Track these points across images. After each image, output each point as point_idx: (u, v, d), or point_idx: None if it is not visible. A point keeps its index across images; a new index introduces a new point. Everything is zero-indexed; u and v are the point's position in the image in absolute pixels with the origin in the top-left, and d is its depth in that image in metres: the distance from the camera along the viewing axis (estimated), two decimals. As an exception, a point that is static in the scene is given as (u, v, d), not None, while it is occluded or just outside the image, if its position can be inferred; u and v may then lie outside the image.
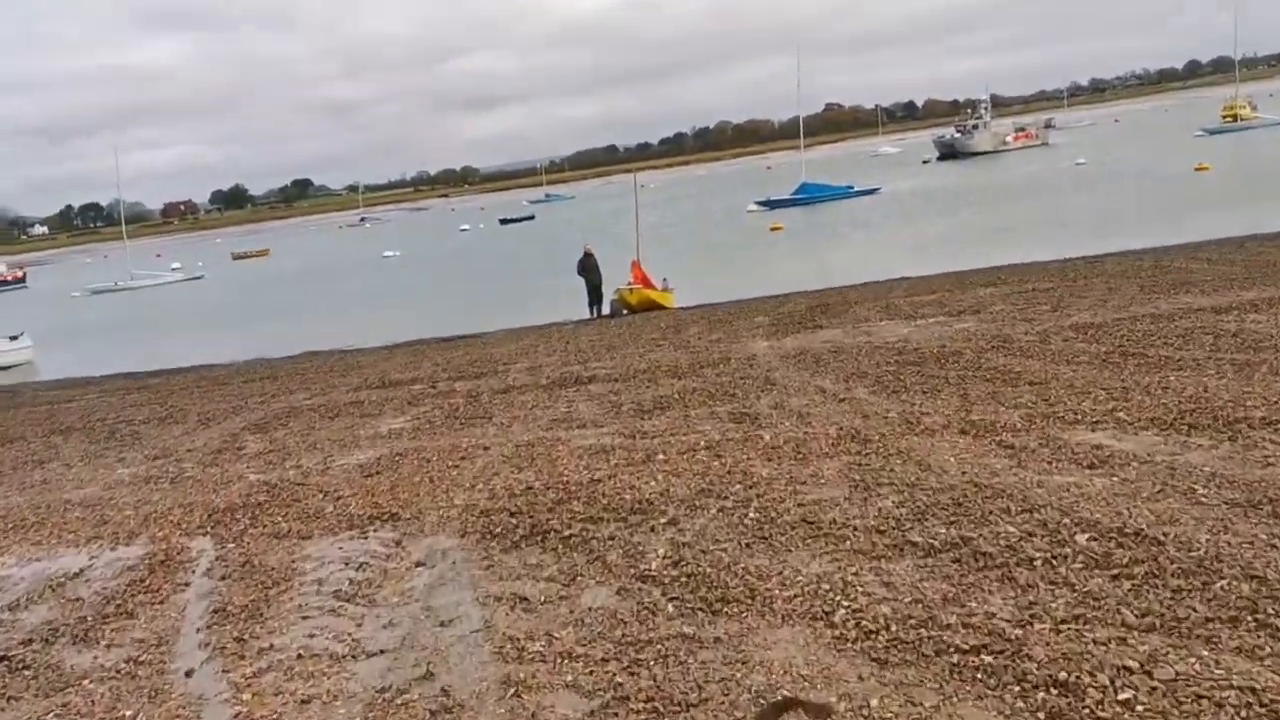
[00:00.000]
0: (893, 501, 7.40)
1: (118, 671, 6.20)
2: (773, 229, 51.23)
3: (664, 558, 6.83)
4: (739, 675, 5.07)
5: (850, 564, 6.37)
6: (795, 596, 5.97)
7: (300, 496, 10.03)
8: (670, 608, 6.07)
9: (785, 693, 4.73)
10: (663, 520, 7.65)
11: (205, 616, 6.96)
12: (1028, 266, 26.68)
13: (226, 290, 66.06)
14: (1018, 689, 4.60)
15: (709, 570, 6.51)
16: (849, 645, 5.28)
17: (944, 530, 6.67)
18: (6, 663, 6.49)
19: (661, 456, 9.65)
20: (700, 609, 5.93)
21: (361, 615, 6.76)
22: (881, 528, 6.89)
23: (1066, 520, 6.63)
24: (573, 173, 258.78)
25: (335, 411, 15.59)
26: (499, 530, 8.05)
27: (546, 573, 6.96)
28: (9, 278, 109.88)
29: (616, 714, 4.88)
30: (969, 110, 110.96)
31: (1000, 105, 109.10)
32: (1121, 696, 4.48)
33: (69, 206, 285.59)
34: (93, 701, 5.84)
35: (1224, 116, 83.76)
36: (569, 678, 5.35)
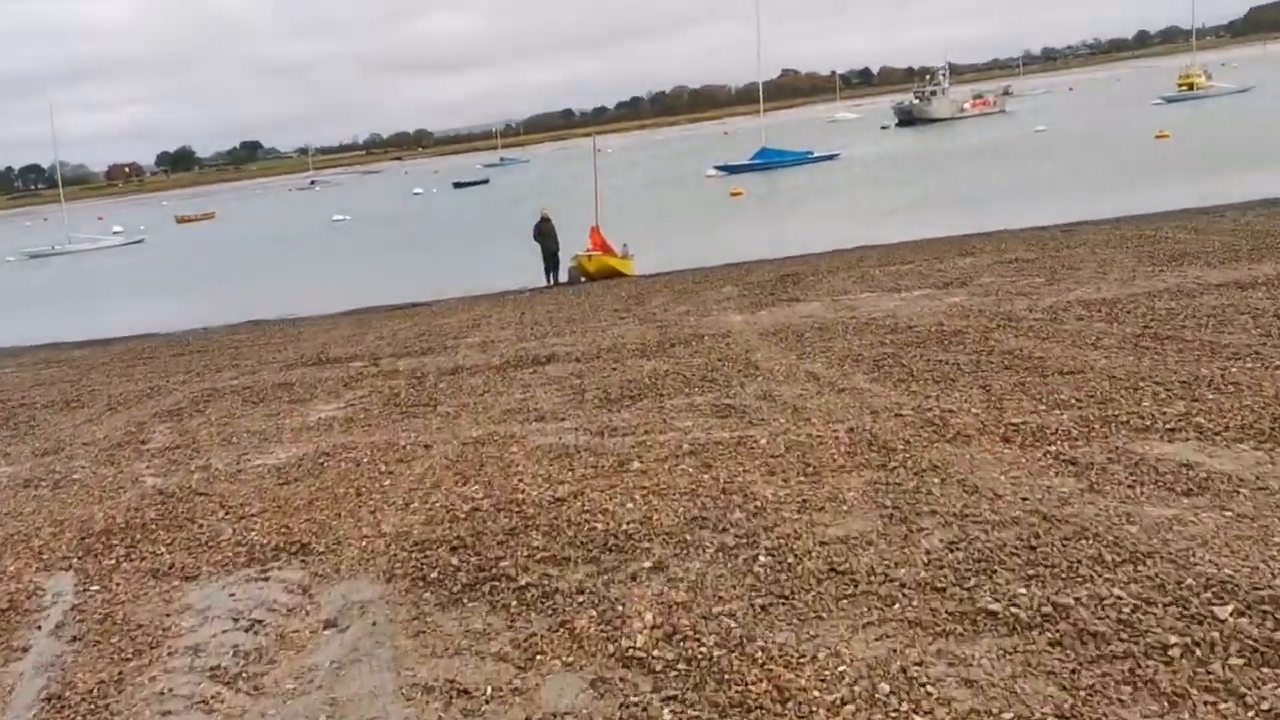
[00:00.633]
0: (942, 540, 5.65)
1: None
2: (733, 194, 49.48)
3: (652, 627, 5.03)
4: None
5: (908, 643, 4.61)
6: (842, 703, 4.19)
7: (197, 514, 8.07)
8: (669, 717, 4.29)
9: None
10: (646, 564, 5.84)
11: (32, 711, 5.14)
12: (1000, 234, 25.21)
13: (169, 255, 63.08)
14: None
15: (716, 651, 4.71)
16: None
17: (1024, 590, 4.91)
18: None
19: (637, 464, 7.81)
20: None
21: (241, 712, 4.91)
22: (938, 583, 5.13)
23: (1189, 579, 4.90)
24: (529, 136, 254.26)
25: (261, 395, 13.66)
26: (435, 574, 6.19)
27: (495, 646, 5.13)
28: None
29: None
30: (927, 77, 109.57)
31: (955, 73, 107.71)
32: None
33: (9, 168, 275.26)
34: None
35: (1180, 85, 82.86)
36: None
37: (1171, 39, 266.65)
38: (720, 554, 5.87)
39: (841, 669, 4.43)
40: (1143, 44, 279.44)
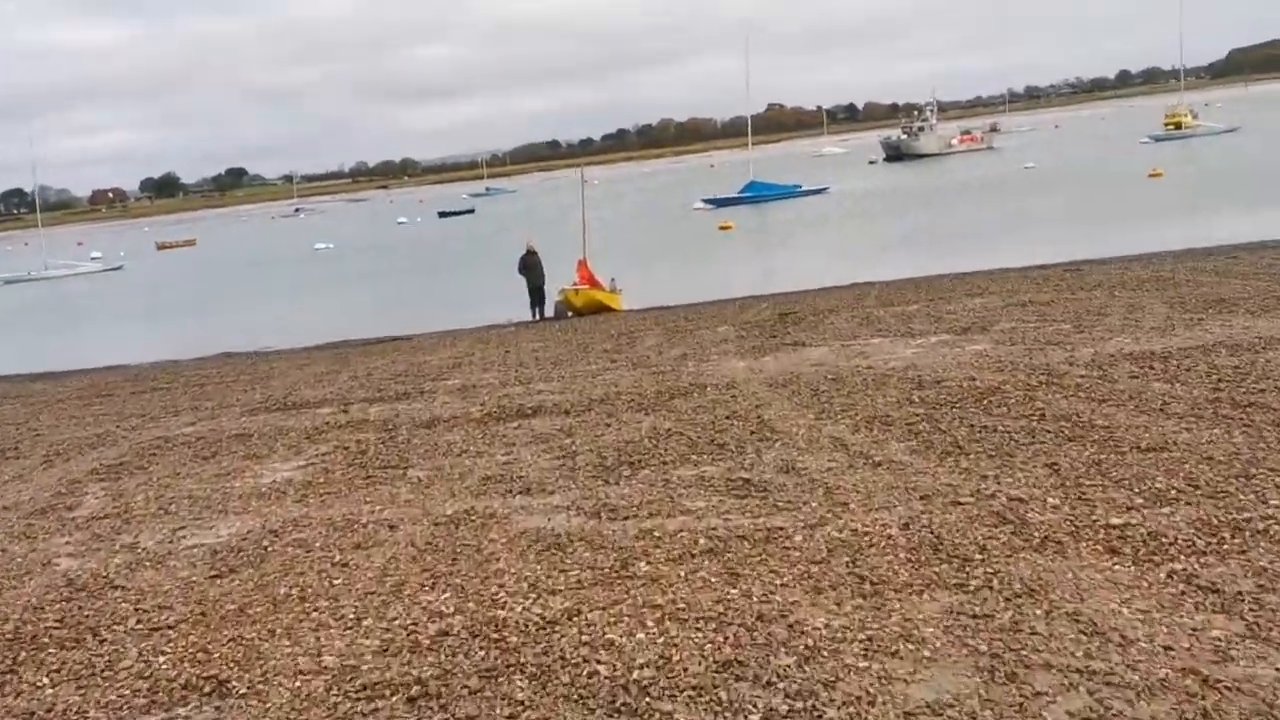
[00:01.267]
0: (1072, 715, 4.10)
1: None
2: (722, 228, 48.20)
3: None
4: None
5: None
6: None
7: (104, 621, 6.42)
8: None
9: None
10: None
11: None
12: (1002, 273, 23.96)
13: (146, 282, 61.24)
14: None
15: None
16: None
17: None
18: None
19: (645, 565, 6.26)
20: None
21: None
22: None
23: None
24: (515, 166, 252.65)
25: (215, 448, 12.07)
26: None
27: None
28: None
29: None
30: (915, 112, 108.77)
31: (940, 110, 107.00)
32: None
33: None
34: None
35: (1166, 124, 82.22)
36: None
37: (1153, 79, 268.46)
38: (773, 730, 4.25)
39: None
40: (1124, 83, 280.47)
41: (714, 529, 6.78)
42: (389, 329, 28.00)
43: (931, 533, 6.29)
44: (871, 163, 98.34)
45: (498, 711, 4.53)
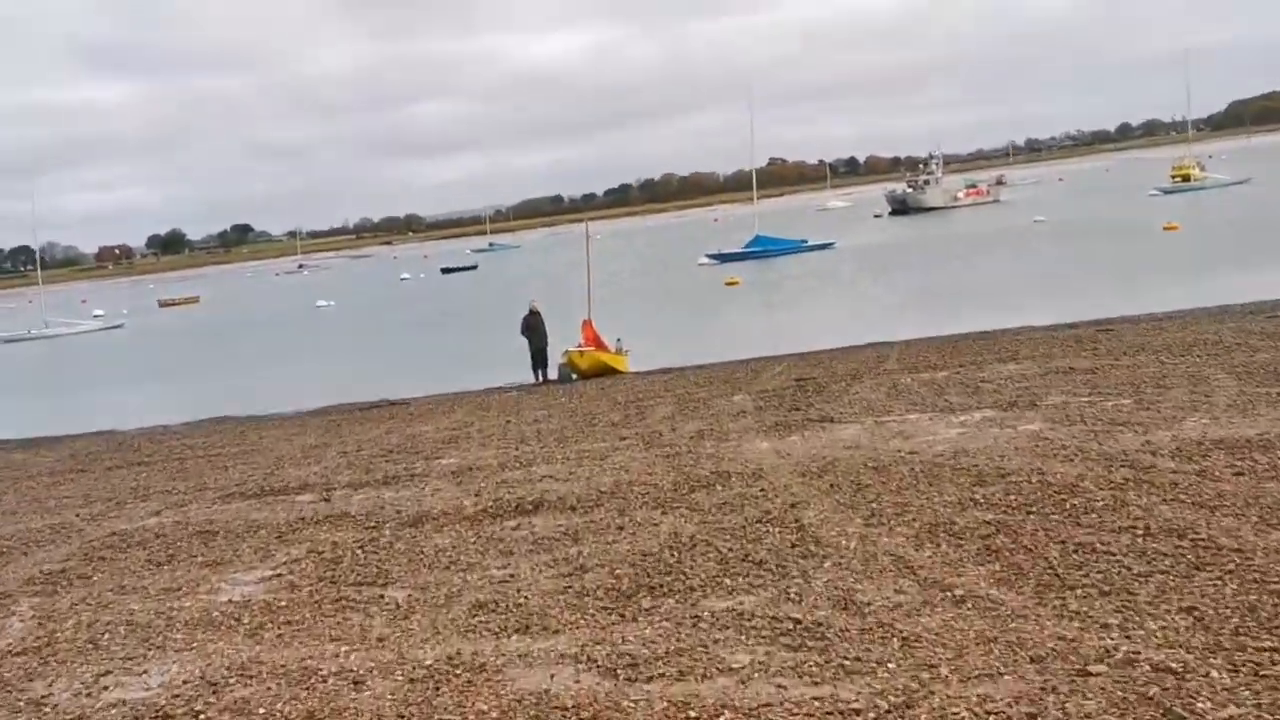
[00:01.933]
0: None
1: None
2: (728, 283, 46.78)
3: None
4: None
5: None
6: None
7: None
8: None
9: None
10: None
11: None
12: (1027, 332, 22.50)
13: (146, 341, 59.96)
14: None
15: None
16: None
17: None
18: None
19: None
20: None
21: None
22: None
23: None
24: (518, 221, 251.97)
25: (174, 549, 10.41)
26: None
27: None
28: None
29: None
30: (920, 166, 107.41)
31: (927, 168, 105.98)
32: None
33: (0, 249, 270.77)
34: None
35: (1174, 176, 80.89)
36: None
37: (1152, 131, 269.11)
38: None
39: None
40: (1125, 135, 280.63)
41: (765, 704, 5.14)
42: (387, 391, 26.55)
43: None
44: (877, 216, 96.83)
45: None
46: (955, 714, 4.75)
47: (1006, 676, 5.11)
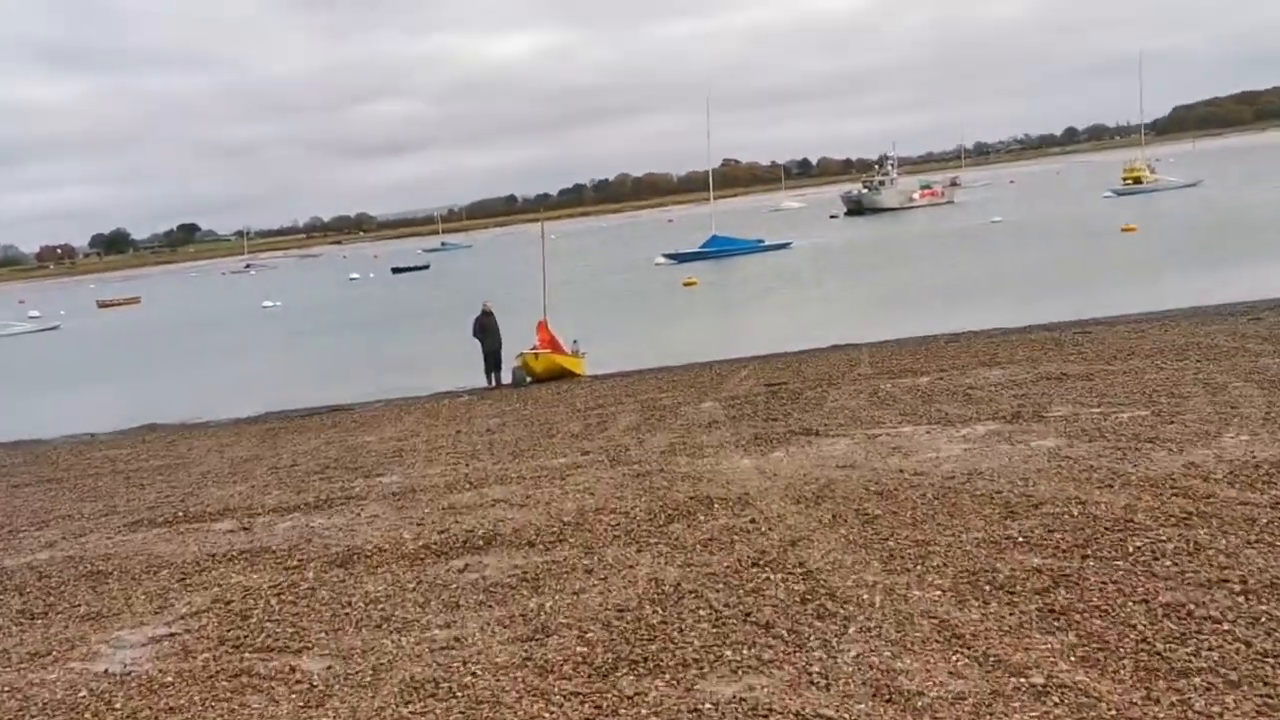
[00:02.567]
0: None
1: None
2: (686, 283, 45.34)
3: None
4: None
5: None
6: None
7: None
8: None
9: None
10: None
11: None
12: (1003, 335, 21.31)
13: (83, 342, 57.20)
14: None
15: None
16: None
17: None
18: None
19: None
20: None
21: None
22: None
23: None
24: (471, 221, 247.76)
25: (55, 595, 8.58)
26: None
27: None
28: None
29: None
30: (876, 166, 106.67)
31: (883, 169, 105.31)
32: None
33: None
34: None
35: (1125, 179, 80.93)
36: None
37: (1098, 136, 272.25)
38: None
39: None
40: (1071, 140, 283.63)
41: None
42: (331, 395, 24.84)
43: None
44: (833, 217, 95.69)
45: None
46: None
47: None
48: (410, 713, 5.37)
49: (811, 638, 5.70)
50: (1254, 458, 8.52)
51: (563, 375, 22.48)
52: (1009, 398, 13.10)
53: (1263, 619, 5.31)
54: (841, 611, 5.96)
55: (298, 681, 6.03)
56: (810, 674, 5.25)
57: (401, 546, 8.74)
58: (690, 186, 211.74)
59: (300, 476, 13.56)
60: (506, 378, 22.91)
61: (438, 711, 5.34)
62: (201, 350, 43.40)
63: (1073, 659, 5.08)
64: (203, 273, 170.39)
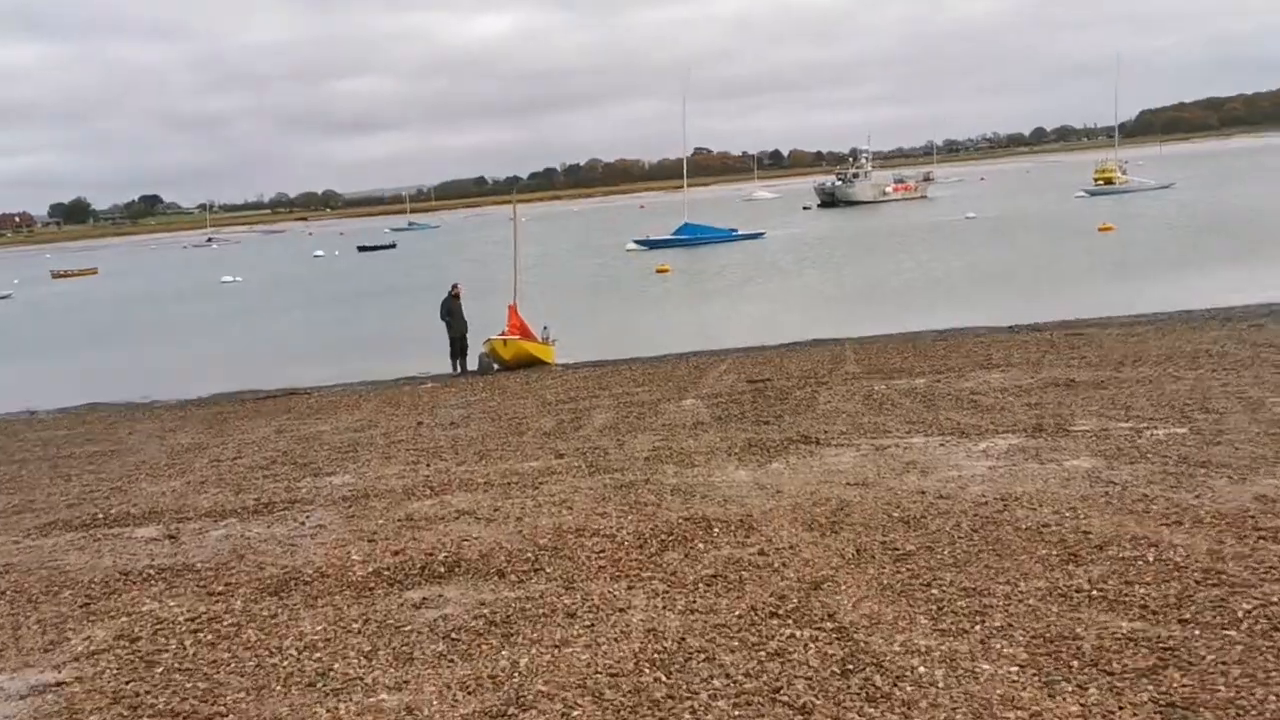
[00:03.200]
0: None
1: None
2: (659, 270, 44.09)
3: None
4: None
5: None
6: None
7: None
8: None
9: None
10: None
11: None
12: (990, 333, 20.28)
13: (34, 314, 55.07)
14: None
15: None
16: None
17: None
18: None
19: None
20: None
21: None
22: None
23: None
24: (440, 202, 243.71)
25: None
26: None
27: None
28: None
29: None
30: (850, 159, 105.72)
31: (857, 161, 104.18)
32: None
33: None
34: None
35: (1097, 179, 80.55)
36: None
37: (1065, 137, 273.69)
38: None
39: None
40: (1039, 140, 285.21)
41: None
42: (289, 376, 23.42)
43: None
44: (806, 208, 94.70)
45: None
46: None
47: None
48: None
49: (865, 730, 4.44)
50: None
51: (532, 363, 21.30)
52: (1021, 407, 11.94)
53: None
54: (896, 693, 4.69)
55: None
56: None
57: (348, 571, 7.36)
58: (661, 174, 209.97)
59: (243, 472, 12.15)
60: (472, 364, 21.67)
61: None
62: (156, 325, 41.67)
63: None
64: (163, 245, 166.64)
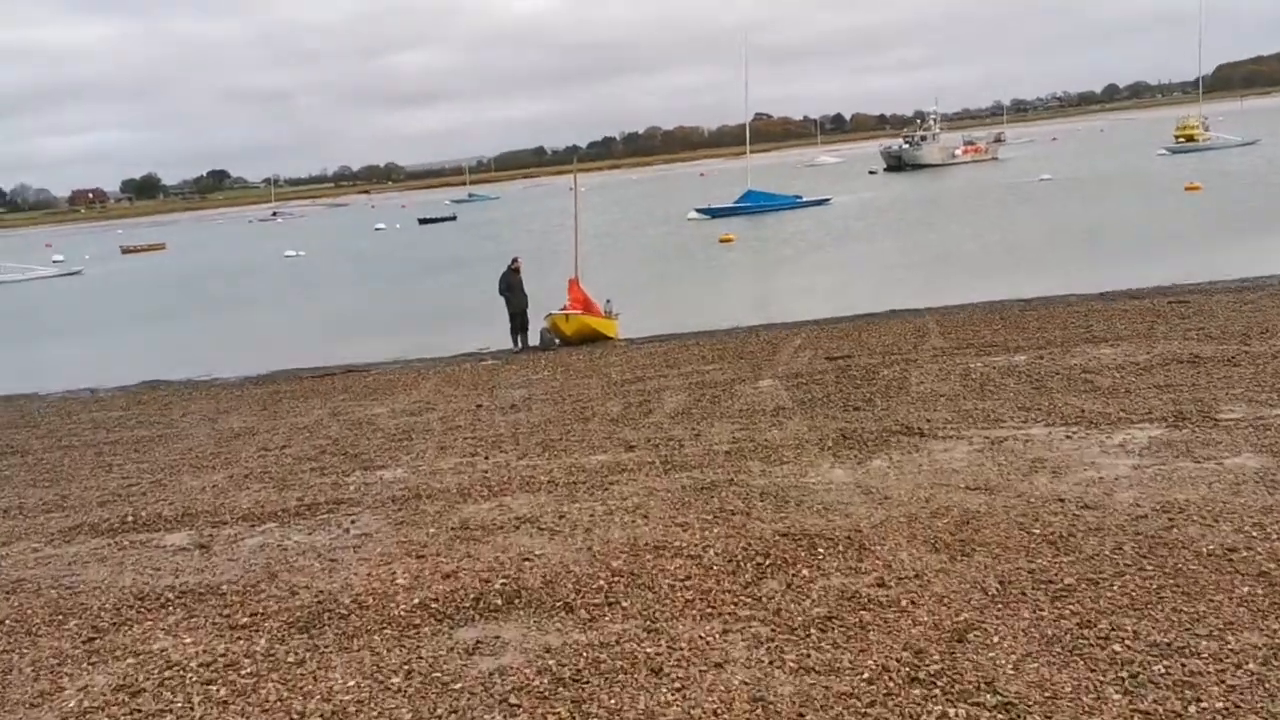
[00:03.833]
0: None
1: None
2: (723, 240, 42.53)
3: None
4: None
5: None
6: None
7: None
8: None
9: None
10: None
11: None
12: (1082, 300, 18.59)
13: (104, 289, 55.29)
14: None
15: None
16: None
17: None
18: None
19: None
20: None
21: None
22: None
23: None
24: (500, 173, 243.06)
25: None
26: None
27: None
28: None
29: None
30: (919, 121, 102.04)
31: (925, 123, 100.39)
32: None
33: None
34: None
35: (1178, 137, 76.63)
36: None
37: (1139, 94, 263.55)
38: None
39: None
40: (1110, 98, 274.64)
41: None
42: (347, 353, 22.60)
43: None
44: (872, 173, 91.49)
45: None
46: None
47: None
48: None
49: None
50: None
51: (595, 338, 20.16)
52: (1148, 389, 10.44)
53: None
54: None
55: None
56: None
57: (391, 600, 6.23)
58: (721, 141, 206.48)
59: (290, 464, 11.16)
60: (534, 340, 20.62)
61: None
62: (219, 301, 41.43)
63: None
64: (230, 220, 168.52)
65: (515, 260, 21.03)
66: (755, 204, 55.50)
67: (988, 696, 4.28)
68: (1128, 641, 4.66)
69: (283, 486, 10.02)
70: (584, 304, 20.35)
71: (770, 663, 4.81)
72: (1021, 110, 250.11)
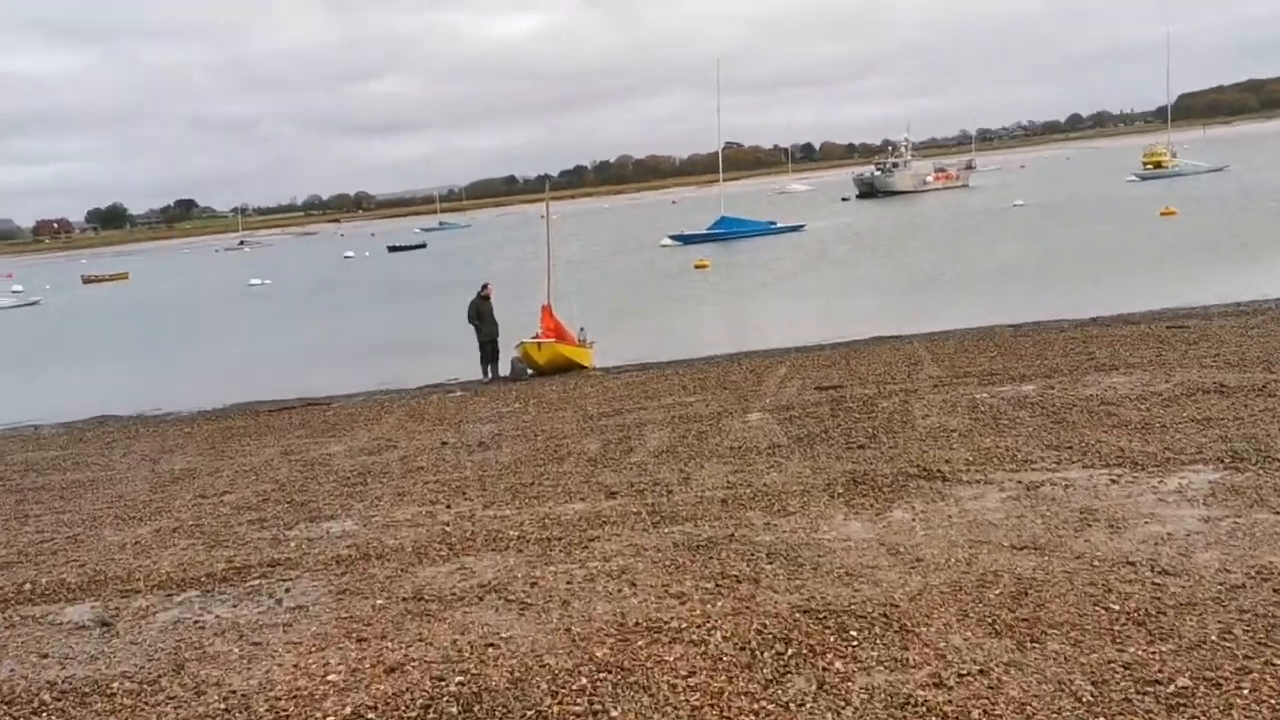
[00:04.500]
0: None
1: None
2: (698, 266, 41.60)
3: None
4: None
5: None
6: None
7: None
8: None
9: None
10: None
11: None
12: (1076, 326, 17.62)
13: (62, 320, 53.43)
14: None
15: None
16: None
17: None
18: None
19: None
20: None
21: None
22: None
23: None
24: (471, 202, 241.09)
25: None
26: None
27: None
28: None
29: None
30: (890, 149, 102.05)
31: (896, 151, 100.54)
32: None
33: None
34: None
35: (1146, 164, 77.13)
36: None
37: (1102, 123, 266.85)
38: None
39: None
40: (1074, 126, 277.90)
41: None
42: (311, 383, 21.30)
43: None
44: (844, 200, 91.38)
45: None
46: None
47: None
48: None
49: None
50: None
51: (568, 368, 18.97)
52: (1185, 423, 9.34)
53: None
54: None
55: None
56: None
57: (318, 707, 4.88)
58: (692, 169, 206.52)
59: (226, 515, 9.80)
60: (504, 370, 19.38)
61: None
62: (178, 331, 39.86)
63: None
64: (196, 250, 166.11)
65: (485, 286, 19.78)
66: (729, 230, 54.66)
67: None
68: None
69: (213, 544, 8.66)
70: (557, 332, 19.18)
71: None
72: (987, 139, 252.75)
